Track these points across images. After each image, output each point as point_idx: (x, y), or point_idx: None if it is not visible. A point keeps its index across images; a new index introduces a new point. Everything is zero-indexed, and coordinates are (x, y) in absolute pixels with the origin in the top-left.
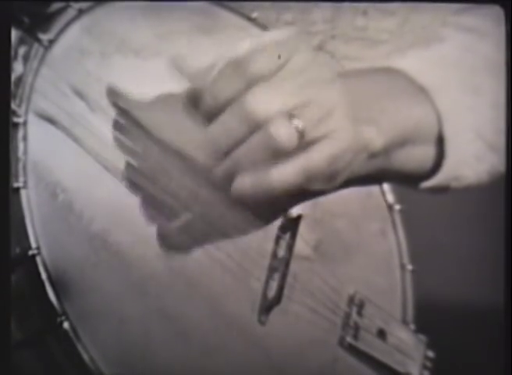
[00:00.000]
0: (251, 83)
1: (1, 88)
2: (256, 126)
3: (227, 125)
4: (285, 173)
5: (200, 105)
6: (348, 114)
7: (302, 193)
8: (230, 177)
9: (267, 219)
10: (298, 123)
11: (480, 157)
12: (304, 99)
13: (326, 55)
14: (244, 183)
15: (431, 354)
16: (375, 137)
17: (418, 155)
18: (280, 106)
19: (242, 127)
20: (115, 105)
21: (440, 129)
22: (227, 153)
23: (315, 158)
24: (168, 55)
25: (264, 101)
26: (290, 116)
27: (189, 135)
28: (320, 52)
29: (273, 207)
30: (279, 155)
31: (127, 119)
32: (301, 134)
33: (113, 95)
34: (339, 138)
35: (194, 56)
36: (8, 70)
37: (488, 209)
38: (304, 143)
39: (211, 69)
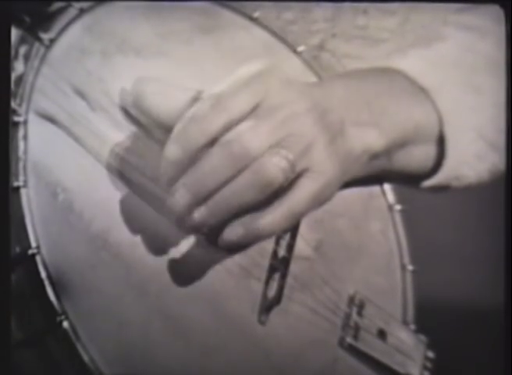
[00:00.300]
0: (231, 121)
1: (2, 87)
2: (245, 164)
3: (215, 164)
4: (272, 221)
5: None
6: (327, 144)
7: None
8: (215, 217)
9: None
10: (287, 153)
11: (481, 156)
12: (287, 132)
13: (298, 85)
14: (236, 231)
15: (431, 354)
16: (377, 138)
17: (419, 155)
18: (268, 139)
19: (232, 165)
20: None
21: (441, 129)
22: (211, 193)
23: (298, 200)
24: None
25: (251, 138)
26: (280, 147)
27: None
28: (291, 84)
29: None
30: (270, 188)
31: (127, 117)
32: (292, 164)
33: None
34: (319, 172)
35: (155, 91)
36: (8, 69)
37: (489, 210)
38: (293, 174)
39: (183, 109)
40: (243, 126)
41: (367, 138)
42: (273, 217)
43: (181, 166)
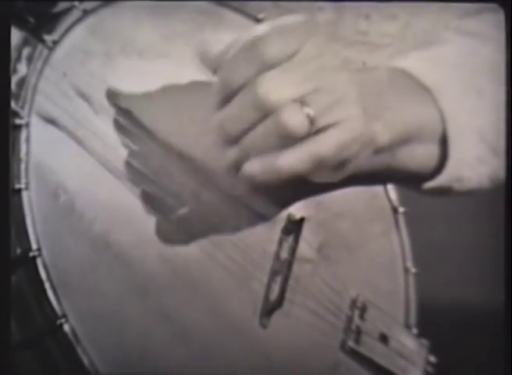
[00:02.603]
0: (264, 68)
1: (2, 89)
2: (267, 112)
3: (238, 110)
4: (293, 158)
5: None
6: (358, 103)
7: (307, 185)
8: (240, 163)
9: (269, 213)
10: (309, 110)
11: (482, 159)
12: (316, 86)
13: (337, 45)
14: (254, 166)
15: (433, 359)
16: (381, 132)
17: (422, 154)
18: (291, 93)
19: (253, 113)
20: (116, 105)
21: (444, 128)
22: (237, 139)
23: (324, 145)
24: (195, 44)
25: (275, 88)
26: (302, 102)
27: (192, 132)
28: (331, 41)
29: (278, 198)
30: (289, 141)
31: (129, 119)
32: (312, 121)
33: (113, 96)
34: (347, 127)
35: (217, 43)
36: (8, 71)
37: (491, 213)
38: (314, 130)
39: (225, 53)
40: (268, 75)
41: (371, 131)
42: (294, 156)
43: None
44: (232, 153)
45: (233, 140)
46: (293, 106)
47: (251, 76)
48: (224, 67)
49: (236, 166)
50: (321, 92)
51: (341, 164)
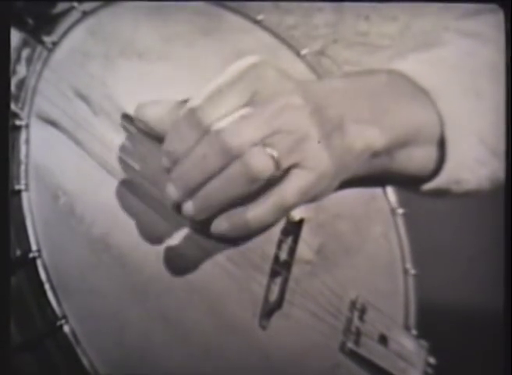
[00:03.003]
0: (207, 132)
1: (1, 91)
2: (231, 157)
3: (201, 158)
4: (260, 212)
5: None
6: (321, 138)
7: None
8: (202, 212)
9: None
10: (272, 151)
11: (481, 161)
12: (275, 128)
13: (293, 78)
14: (222, 225)
15: (432, 360)
16: (378, 136)
17: (420, 157)
18: (253, 136)
19: (217, 159)
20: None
21: (442, 131)
22: (197, 189)
23: (287, 194)
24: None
25: (238, 132)
26: (264, 145)
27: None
28: (285, 76)
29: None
30: (254, 184)
31: (130, 123)
32: (277, 162)
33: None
34: (310, 167)
35: (154, 103)
36: (7, 72)
37: (491, 214)
38: (279, 172)
39: (172, 113)
40: (231, 120)
41: (368, 136)
42: (260, 210)
43: (176, 159)
44: (195, 202)
45: (193, 190)
46: (257, 149)
47: (196, 141)
48: (166, 141)
49: (199, 215)
50: (282, 133)
51: (315, 198)
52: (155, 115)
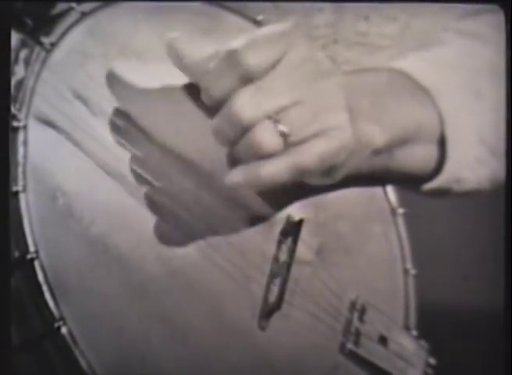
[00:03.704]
0: (244, 80)
1: (1, 92)
2: (243, 129)
3: (219, 128)
4: (275, 169)
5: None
6: (346, 109)
7: (305, 186)
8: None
9: (268, 215)
10: (283, 127)
11: (481, 160)
12: (297, 98)
13: (333, 45)
14: (236, 177)
15: (432, 361)
16: (378, 134)
17: (421, 155)
18: (267, 109)
19: (231, 129)
20: (113, 92)
21: (442, 130)
22: (230, 144)
23: (306, 156)
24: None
25: (251, 104)
26: (275, 120)
27: (190, 134)
28: (315, 47)
29: (276, 199)
30: (265, 157)
31: (127, 121)
32: (286, 138)
33: (112, 80)
34: (333, 136)
35: (189, 47)
36: (7, 73)
37: (491, 214)
38: (291, 144)
39: (206, 63)
40: (249, 90)
41: (368, 133)
42: (276, 166)
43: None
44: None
45: (230, 143)
46: (266, 124)
47: (232, 88)
48: (205, 80)
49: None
50: (303, 104)
51: (330, 170)
52: (193, 55)
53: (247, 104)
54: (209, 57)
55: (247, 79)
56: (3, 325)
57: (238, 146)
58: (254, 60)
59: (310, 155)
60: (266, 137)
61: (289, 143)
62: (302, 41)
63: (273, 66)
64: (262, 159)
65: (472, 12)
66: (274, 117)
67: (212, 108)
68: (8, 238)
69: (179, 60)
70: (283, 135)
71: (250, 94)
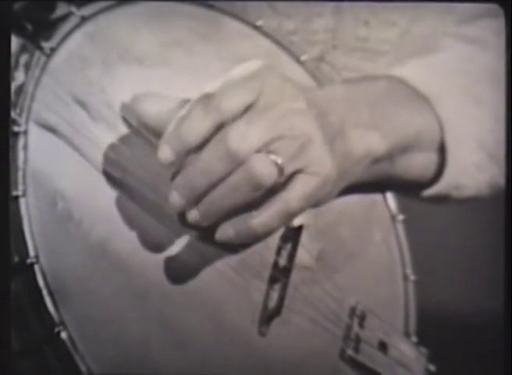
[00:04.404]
0: (222, 122)
1: (2, 97)
2: (236, 163)
3: (207, 164)
4: (265, 218)
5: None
6: (323, 144)
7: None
8: (208, 219)
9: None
10: (276, 158)
11: (481, 167)
12: (280, 133)
13: (296, 84)
14: (227, 232)
15: (432, 367)
16: (378, 141)
17: (421, 162)
18: (258, 142)
19: (222, 166)
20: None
21: (442, 137)
22: (202, 195)
23: (291, 200)
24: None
25: (243, 138)
26: (268, 151)
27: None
28: (288, 82)
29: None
30: (259, 191)
31: (127, 126)
32: (280, 169)
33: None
34: (314, 171)
35: (151, 99)
36: (8, 78)
37: (491, 220)
38: (283, 177)
39: (174, 111)
40: (234, 127)
41: (368, 141)
42: (265, 217)
43: (174, 166)
44: (200, 209)
45: (198, 196)
46: (261, 156)
47: (210, 130)
48: (177, 124)
49: (205, 222)
50: (286, 138)
51: (319, 202)
52: (154, 111)
53: (240, 138)
54: (175, 107)
55: (224, 122)
56: (3, 330)
57: (227, 183)
58: (231, 103)
59: (295, 198)
60: (263, 168)
61: (281, 175)
62: (275, 79)
63: (251, 106)
64: (253, 194)
65: (472, 17)
66: (266, 149)
67: (180, 159)
68: (8, 243)
69: (137, 119)
70: (277, 166)
71: (240, 128)
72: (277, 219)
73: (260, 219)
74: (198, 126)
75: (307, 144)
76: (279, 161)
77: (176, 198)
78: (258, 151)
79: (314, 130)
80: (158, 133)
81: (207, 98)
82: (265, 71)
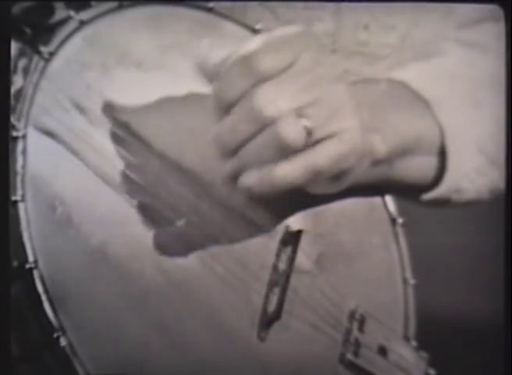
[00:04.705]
0: (259, 80)
1: (1, 102)
2: (264, 124)
3: (235, 123)
4: (290, 170)
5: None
6: (355, 115)
7: (305, 197)
8: (237, 175)
9: (268, 224)
10: (306, 122)
11: (481, 171)
12: (312, 98)
13: (334, 56)
14: (251, 178)
15: (432, 372)
16: (379, 144)
17: (421, 166)
18: (288, 104)
19: (250, 125)
20: (113, 118)
21: (442, 141)
22: (234, 151)
23: (320, 157)
24: (193, 58)
25: (272, 100)
26: (298, 114)
27: (190, 144)
28: (327, 51)
29: (276, 210)
30: (286, 153)
31: (126, 131)
32: (309, 133)
33: (109, 110)
34: (344, 139)
35: (214, 54)
36: (7, 83)
37: (491, 225)
38: (311, 141)
39: (222, 65)
40: (263, 87)
41: (369, 143)
42: (290, 168)
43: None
44: (230, 165)
45: (231, 152)
46: (290, 118)
47: (246, 89)
48: (219, 80)
49: (234, 178)
50: (318, 104)
51: (338, 176)
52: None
53: (267, 99)
54: (225, 58)
55: (263, 79)
56: (3, 335)
57: (254, 143)
58: (268, 64)
59: (324, 156)
60: (291, 131)
61: (310, 140)
62: (313, 45)
63: (286, 68)
64: (280, 156)
65: (472, 21)
66: (296, 112)
67: (219, 114)
68: (7, 248)
69: (207, 70)
70: (306, 130)
71: (269, 90)
72: (302, 172)
73: (285, 169)
74: (234, 87)
75: (340, 111)
76: (309, 125)
77: (215, 150)
78: (288, 113)
79: (347, 99)
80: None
81: (244, 58)
82: (304, 36)
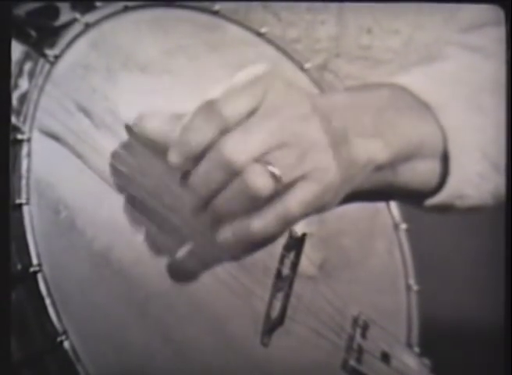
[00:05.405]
0: (225, 128)
1: (2, 105)
2: (234, 173)
3: (206, 174)
4: (263, 223)
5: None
6: (328, 149)
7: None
8: (215, 225)
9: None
10: (273, 168)
11: (484, 176)
12: (280, 141)
13: (300, 89)
14: (226, 234)
15: None
16: (381, 149)
17: (424, 171)
18: (256, 151)
19: (220, 175)
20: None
21: (445, 146)
22: (208, 201)
23: (291, 205)
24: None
25: (240, 148)
26: (265, 162)
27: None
28: (293, 87)
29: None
30: (257, 202)
31: (131, 135)
32: (278, 179)
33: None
34: (317, 178)
35: (152, 115)
36: (7, 83)
37: (493, 230)
38: (282, 187)
39: (176, 122)
40: (231, 135)
41: (372, 149)
42: (264, 221)
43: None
44: (206, 216)
45: (205, 202)
46: (257, 167)
47: (214, 136)
48: (181, 132)
49: (212, 228)
50: (287, 147)
51: (320, 209)
52: (155, 127)
53: (236, 147)
54: (169, 123)
55: (227, 128)
56: (4, 340)
57: (225, 194)
58: (233, 109)
59: (294, 204)
60: (259, 180)
61: (280, 185)
62: (280, 83)
63: (251, 114)
64: (251, 205)
65: (475, 26)
66: (263, 160)
67: (188, 164)
68: (8, 251)
69: (146, 129)
70: (274, 177)
71: (236, 138)
72: (276, 223)
73: (259, 222)
74: (201, 134)
75: (311, 149)
76: (277, 172)
77: (187, 202)
78: (256, 160)
79: (318, 135)
80: (163, 147)
81: (209, 105)
82: (269, 76)
